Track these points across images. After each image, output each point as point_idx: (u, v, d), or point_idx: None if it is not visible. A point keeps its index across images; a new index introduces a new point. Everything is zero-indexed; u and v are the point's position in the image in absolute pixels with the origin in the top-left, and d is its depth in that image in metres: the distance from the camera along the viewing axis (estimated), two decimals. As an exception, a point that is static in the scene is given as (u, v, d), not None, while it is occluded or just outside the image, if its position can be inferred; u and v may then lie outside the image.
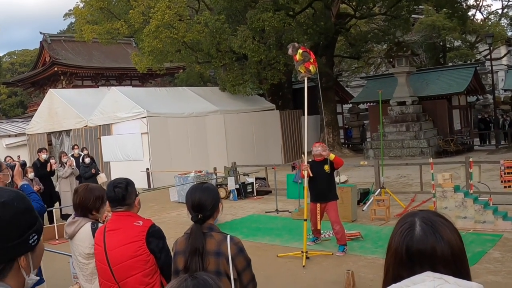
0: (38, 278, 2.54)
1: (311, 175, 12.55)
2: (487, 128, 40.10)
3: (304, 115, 13.83)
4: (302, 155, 13.37)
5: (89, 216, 5.84)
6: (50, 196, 18.31)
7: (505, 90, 47.99)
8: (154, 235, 4.98)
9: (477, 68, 38.14)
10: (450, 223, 2.21)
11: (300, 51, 12.83)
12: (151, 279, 4.93)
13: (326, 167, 12.52)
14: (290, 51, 13.07)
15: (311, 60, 12.91)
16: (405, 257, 2.15)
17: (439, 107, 34.41)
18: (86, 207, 5.83)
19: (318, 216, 12.82)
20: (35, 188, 15.57)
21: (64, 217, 18.09)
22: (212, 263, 4.37)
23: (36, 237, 2.39)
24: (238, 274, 4.46)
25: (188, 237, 4.51)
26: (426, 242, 2.12)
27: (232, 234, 4.61)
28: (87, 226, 5.63)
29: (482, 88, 38.59)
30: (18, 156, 20.15)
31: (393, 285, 2.10)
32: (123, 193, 5.06)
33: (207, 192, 4.60)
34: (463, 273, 2.12)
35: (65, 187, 18.87)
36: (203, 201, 4.51)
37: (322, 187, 12.66)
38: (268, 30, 31.55)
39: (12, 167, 7.00)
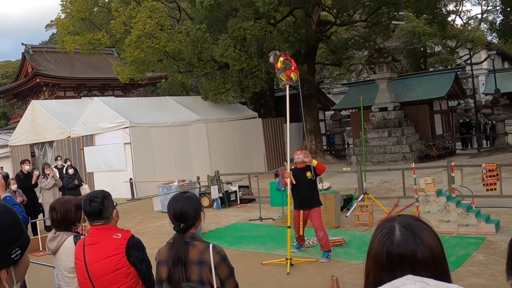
0: None
1: (294, 182, 12.59)
2: (469, 132, 40.26)
3: (288, 122, 13.85)
4: (285, 162, 13.41)
5: (72, 229, 5.84)
6: (34, 207, 18.28)
7: (486, 94, 48.23)
8: (134, 247, 4.96)
9: (458, 72, 38.32)
10: (429, 227, 2.23)
11: (281, 59, 12.88)
12: None
13: (309, 174, 12.56)
14: (271, 59, 13.12)
15: (292, 68, 12.97)
16: (386, 262, 2.16)
17: (421, 112, 34.54)
18: (69, 220, 5.81)
19: (301, 223, 12.88)
20: (18, 199, 15.52)
21: (48, 228, 18.02)
22: (195, 272, 4.40)
23: (19, 252, 2.39)
24: (222, 282, 4.48)
25: (171, 247, 4.53)
26: (406, 246, 2.14)
27: (216, 243, 4.64)
28: (70, 240, 5.61)
29: (463, 93, 38.76)
30: (1, 168, 20.06)
31: None
32: (99, 207, 5.03)
33: (189, 201, 4.62)
34: (443, 276, 2.14)
35: (49, 198, 18.78)
36: (184, 210, 4.53)
37: (305, 194, 12.70)
38: (249, 39, 31.60)
39: None
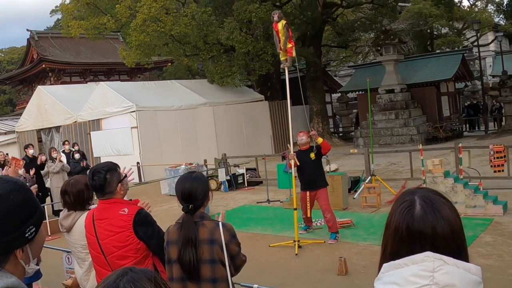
0: (38, 267, 2.48)
1: (298, 164, 12.58)
2: (476, 114, 40.13)
3: (289, 105, 13.77)
4: (288, 145, 13.39)
5: (86, 207, 5.84)
6: (40, 192, 18.28)
7: (493, 76, 48.03)
8: (141, 223, 4.93)
9: (465, 54, 38.14)
10: (449, 201, 2.21)
11: (283, 22, 12.74)
12: (142, 265, 4.87)
13: (312, 155, 12.55)
14: (275, 18, 12.90)
15: (289, 45, 12.83)
16: (406, 235, 2.14)
17: (428, 94, 34.41)
18: (82, 200, 5.82)
19: (308, 204, 12.87)
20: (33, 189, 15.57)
21: (56, 213, 18.08)
22: (206, 252, 4.41)
23: (33, 229, 2.32)
24: (232, 258, 4.51)
25: (180, 227, 4.53)
26: (426, 221, 2.12)
27: (224, 224, 4.63)
28: (84, 217, 5.56)
29: (470, 74, 38.62)
30: (6, 154, 20.08)
31: (392, 262, 2.08)
32: (100, 183, 4.96)
33: (197, 181, 4.61)
34: (462, 252, 2.13)
35: (57, 182, 18.75)
36: (193, 190, 4.53)
37: (310, 175, 12.71)
38: (255, 21, 31.50)
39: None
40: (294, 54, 12.86)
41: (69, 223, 5.83)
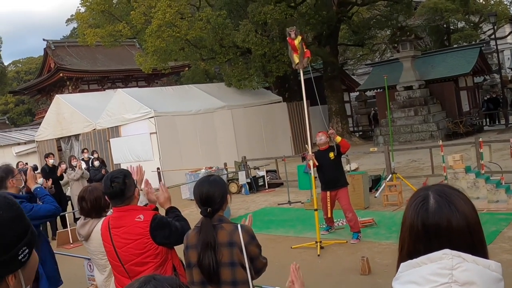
0: None
1: (317, 164, 12.54)
2: (496, 108, 39.90)
3: (305, 105, 13.68)
4: (306, 145, 13.35)
5: (103, 215, 5.83)
6: (60, 201, 18.33)
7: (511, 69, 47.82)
8: (158, 227, 4.92)
9: (482, 48, 37.95)
10: (463, 194, 2.18)
11: (299, 38, 12.72)
12: (162, 269, 4.92)
13: (331, 155, 12.53)
14: (293, 35, 12.88)
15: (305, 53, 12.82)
16: (421, 231, 2.12)
17: (446, 90, 34.29)
18: (99, 207, 5.82)
19: (329, 204, 12.83)
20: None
21: (77, 220, 18.14)
22: (225, 255, 4.39)
23: (27, 251, 2.04)
24: (252, 261, 4.48)
25: (199, 231, 4.51)
26: (441, 214, 2.09)
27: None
28: (100, 225, 5.57)
29: (488, 68, 38.46)
30: (26, 163, 20.15)
31: (410, 261, 2.05)
32: (121, 188, 4.95)
33: (215, 184, 4.58)
34: (479, 245, 2.09)
35: (77, 190, 18.68)
36: (211, 194, 4.50)
37: (330, 175, 12.68)
38: (270, 23, 31.51)
39: (25, 172, 7.03)
40: (310, 54, 12.88)
41: (86, 231, 5.84)
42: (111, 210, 5.32)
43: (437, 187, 2.23)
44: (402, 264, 2.09)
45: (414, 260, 2.04)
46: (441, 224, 2.08)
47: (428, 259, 1.99)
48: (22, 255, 2.01)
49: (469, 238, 2.07)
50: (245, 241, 4.41)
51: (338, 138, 12.65)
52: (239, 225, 4.51)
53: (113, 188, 4.96)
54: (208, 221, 4.48)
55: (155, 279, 1.82)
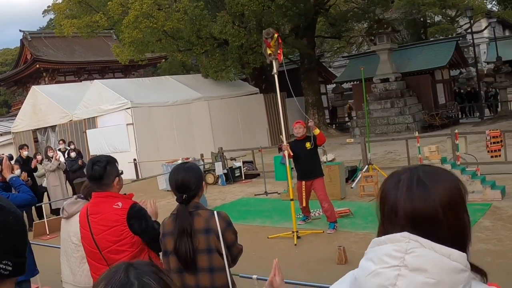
0: None
1: (292, 154, 12.57)
2: (471, 101, 40.18)
3: (279, 96, 13.65)
4: (280, 136, 13.38)
5: None
6: (34, 193, 18.23)
7: (488, 63, 48.08)
8: (134, 217, 4.90)
9: (459, 41, 38.19)
10: (447, 179, 2.03)
11: (275, 36, 12.70)
12: (138, 259, 4.86)
13: (308, 145, 12.56)
14: (269, 37, 12.83)
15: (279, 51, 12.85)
16: (390, 211, 2.03)
17: (423, 82, 34.43)
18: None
19: (304, 194, 12.86)
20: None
21: (54, 211, 18.07)
22: (202, 241, 4.38)
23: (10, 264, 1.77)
24: (228, 247, 4.49)
25: (175, 218, 4.51)
26: (412, 197, 1.98)
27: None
28: None
29: (464, 62, 38.73)
30: (3, 154, 20.02)
31: (377, 238, 1.98)
32: (100, 173, 4.94)
33: (190, 171, 4.59)
34: (454, 234, 1.97)
35: (54, 181, 18.79)
36: (186, 180, 4.50)
37: (306, 165, 12.73)
38: (247, 14, 31.44)
39: (0, 161, 6.99)
40: (281, 58, 12.94)
41: (73, 210, 5.85)
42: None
43: (415, 167, 2.12)
44: (372, 240, 2.05)
45: (380, 238, 1.97)
46: (411, 208, 1.98)
47: (388, 239, 1.92)
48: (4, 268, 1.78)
49: (443, 225, 1.95)
50: (221, 228, 4.41)
51: (317, 131, 12.67)
52: (215, 212, 4.52)
53: (93, 171, 4.95)
54: (184, 207, 4.48)
55: (132, 266, 1.78)
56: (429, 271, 1.82)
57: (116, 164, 5.16)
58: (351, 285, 2.09)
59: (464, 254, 1.89)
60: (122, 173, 5.24)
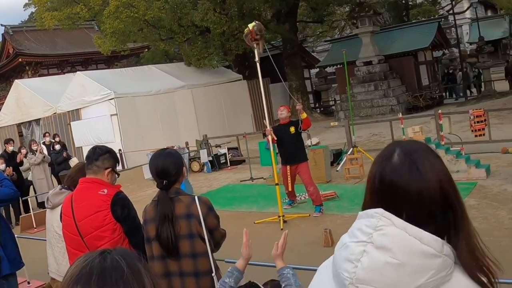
0: None
1: (275, 139, 12.58)
2: (454, 82, 40.27)
3: (261, 81, 13.66)
4: (264, 121, 13.39)
5: None
6: (20, 186, 18.19)
7: (470, 43, 48.18)
8: (118, 203, 4.91)
9: (441, 22, 38.21)
10: (433, 155, 2.01)
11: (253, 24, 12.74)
12: None
13: (292, 129, 12.59)
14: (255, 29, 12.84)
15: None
16: (378, 186, 2.00)
17: (406, 64, 34.47)
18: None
19: (289, 178, 12.89)
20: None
21: (40, 205, 18.02)
22: (183, 227, 4.39)
23: None
24: (211, 232, 4.51)
25: (156, 204, 4.51)
26: (400, 174, 1.95)
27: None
28: None
29: (447, 42, 38.82)
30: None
31: (360, 212, 1.96)
32: (99, 154, 5.02)
33: (170, 157, 4.61)
34: (435, 215, 1.92)
35: (39, 174, 18.75)
36: (166, 166, 4.52)
37: (290, 150, 12.76)
38: (228, 1, 31.33)
39: None
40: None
41: (57, 200, 5.85)
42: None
43: (406, 143, 2.10)
44: (358, 213, 2.03)
45: (362, 211, 1.97)
46: (398, 184, 1.94)
47: (365, 214, 1.91)
48: None
49: (430, 205, 1.92)
50: (203, 213, 4.42)
51: (304, 115, 12.70)
52: (196, 197, 4.53)
53: (93, 151, 5.08)
54: (164, 194, 4.49)
55: (109, 252, 1.75)
56: (393, 251, 1.79)
57: (115, 161, 5.22)
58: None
59: (439, 239, 1.83)
60: (118, 175, 5.30)
